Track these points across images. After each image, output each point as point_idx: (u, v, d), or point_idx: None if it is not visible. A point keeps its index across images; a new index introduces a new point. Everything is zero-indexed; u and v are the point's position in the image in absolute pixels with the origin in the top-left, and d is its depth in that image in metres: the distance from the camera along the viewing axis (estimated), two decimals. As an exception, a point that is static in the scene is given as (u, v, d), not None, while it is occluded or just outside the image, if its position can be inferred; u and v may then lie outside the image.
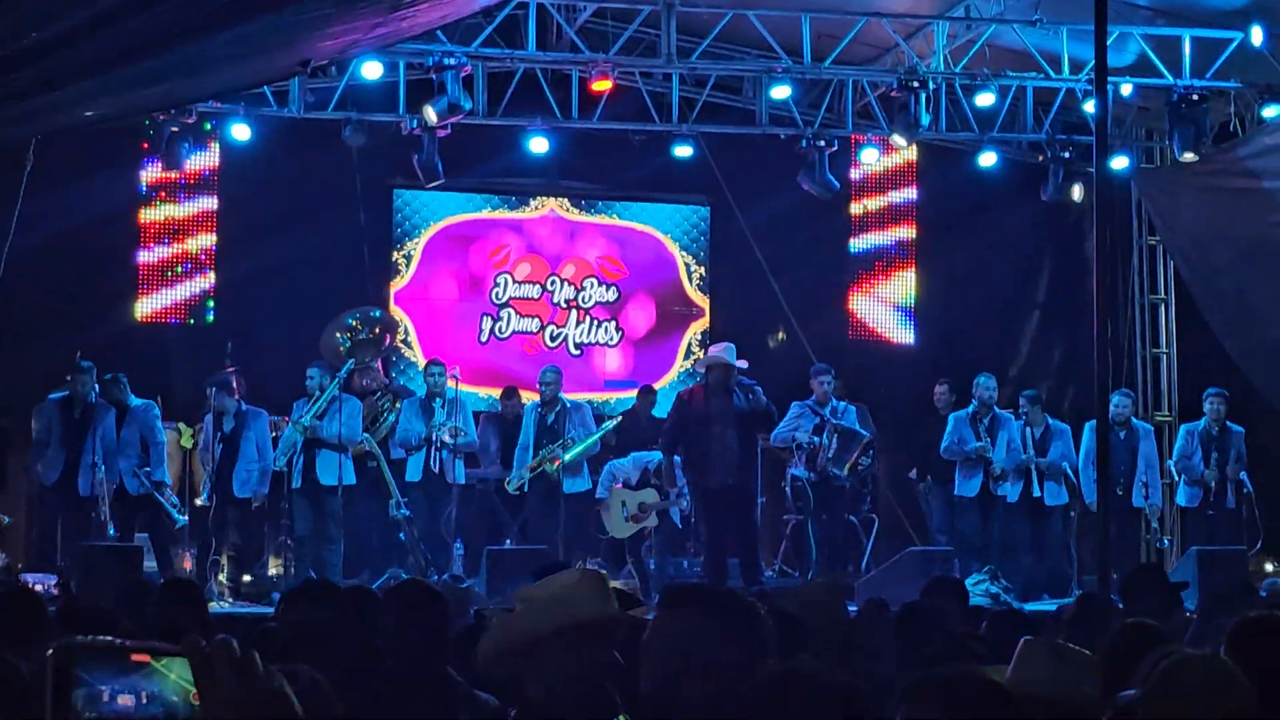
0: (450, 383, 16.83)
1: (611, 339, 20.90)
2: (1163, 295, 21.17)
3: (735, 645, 3.78)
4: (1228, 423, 17.57)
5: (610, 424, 17.66)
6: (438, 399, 16.85)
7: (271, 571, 16.88)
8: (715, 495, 15.88)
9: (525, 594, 4.30)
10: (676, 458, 16.30)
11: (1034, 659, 5.02)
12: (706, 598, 4.00)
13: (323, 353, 17.14)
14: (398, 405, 17.20)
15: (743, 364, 15.97)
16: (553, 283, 20.73)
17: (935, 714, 3.80)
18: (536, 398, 17.61)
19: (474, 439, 17.08)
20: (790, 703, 3.21)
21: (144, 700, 2.28)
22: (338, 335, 17.40)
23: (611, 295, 20.93)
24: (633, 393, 19.51)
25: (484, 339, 20.49)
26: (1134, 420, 17.77)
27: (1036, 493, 17.23)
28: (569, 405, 17.37)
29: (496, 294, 20.57)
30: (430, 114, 17.03)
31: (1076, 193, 19.40)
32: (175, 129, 17.30)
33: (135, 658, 2.29)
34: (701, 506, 16.37)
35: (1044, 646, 5.12)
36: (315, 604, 6.66)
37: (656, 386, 19.38)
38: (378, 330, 17.86)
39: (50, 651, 2.28)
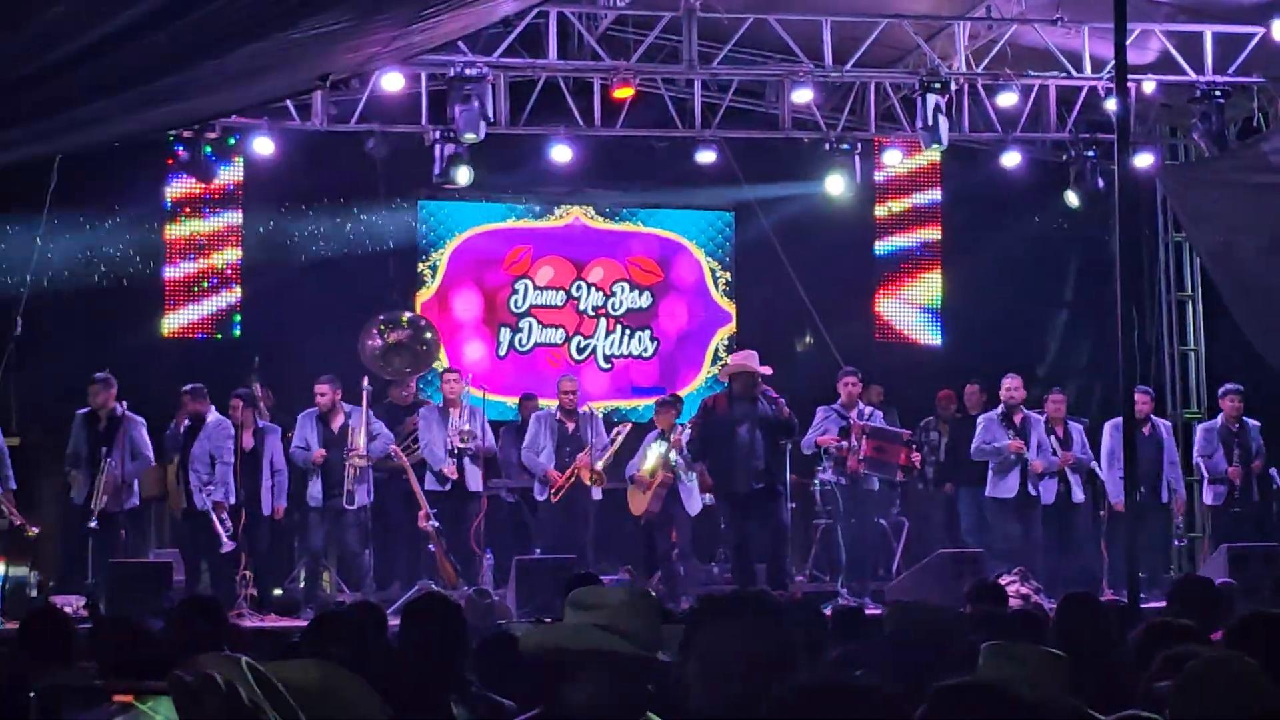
0: (473, 391, 16.71)
1: (646, 350, 20.78)
2: (1189, 292, 21.11)
3: (769, 655, 3.77)
4: (1244, 418, 17.52)
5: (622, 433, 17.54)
6: (454, 407, 16.72)
7: (302, 585, 16.89)
8: (742, 500, 15.96)
9: (577, 600, 4.29)
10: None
11: (995, 662, 5.10)
12: (741, 606, 3.99)
13: (360, 350, 17.15)
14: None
15: (766, 371, 16.01)
16: (579, 288, 20.61)
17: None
18: (554, 404, 17.57)
19: (490, 444, 16.89)
20: (825, 713, 3.19)
21: None
22: (375, 335, 17.39)
23: (645, 301, 20.83)
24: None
25: (502, 353, 20.34)
26: (1154, 417, 17.70)
27: (1076, 495, 17.14)
28: (587, 414, 17.30)
29: (515, 301, 20.44)
30: (471, 136, 16.98)
31: (1073, 199, 19.25)
32: (201, 143, 17.31)
33: (117, 698, 2.28)
34: (729, 511, 16.44)
35: (1003, 650, 5.19)
36: (333, 641, 6.65)
37: (683, 393, 19.27)
38: (423, 347, 17.82)
39: (33, 694, 2.28)
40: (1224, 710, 4.60)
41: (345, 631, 6.46)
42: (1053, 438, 17.12)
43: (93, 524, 15.33)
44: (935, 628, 6.86)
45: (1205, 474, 17.69)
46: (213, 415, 15.91)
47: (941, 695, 3.90)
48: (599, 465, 16.80)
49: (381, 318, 17.56)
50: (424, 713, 5.26)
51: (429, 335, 18.02)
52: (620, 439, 17.21)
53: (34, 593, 15.75)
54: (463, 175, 17.60)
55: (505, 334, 20.35)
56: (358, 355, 17.28)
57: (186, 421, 15.91)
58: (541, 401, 18.60)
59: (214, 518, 15.55)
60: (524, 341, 20.36)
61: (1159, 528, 17.56)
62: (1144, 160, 19.29)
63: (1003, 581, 15.59)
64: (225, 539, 15.50)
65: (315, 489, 16.16)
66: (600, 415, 17.93)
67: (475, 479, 16.45)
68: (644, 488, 16.75)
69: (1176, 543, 18.63)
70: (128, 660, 6.65)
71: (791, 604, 9.79)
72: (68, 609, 10.37)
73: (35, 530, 15.64)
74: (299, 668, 2.62)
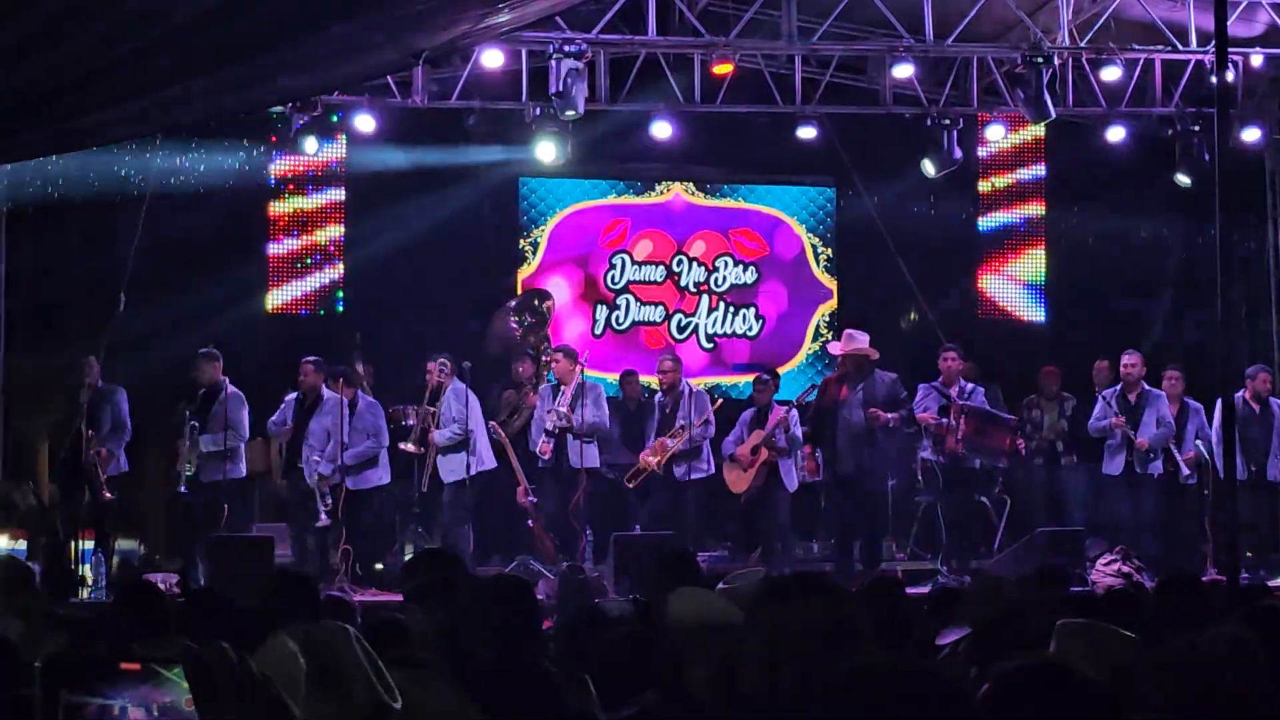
0: (577, 369, 16.71)
1: (751, 328, 20.62)
2: (1299, 267, 20.78)
3: (827, 637, 3.76)
4: None
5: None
6: (565, 385, 16.72)
7: (407, 559, 16.97)
8: (848, 480, 16.08)
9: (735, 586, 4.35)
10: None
11: (1071, 640, 5.10)
12: (798, 590, 3.97)
13: (494, 343, 17.25)
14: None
15: (873, 354, 16.21)
16: (680, 262, 20.47)
17: (1016, 707, 3.76)
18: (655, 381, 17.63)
19: (589, 421, 16.73)
20: (873, 700, 3.17)
21: (155, 713, 2.29)
22: (512, 320, 17.51)
23: (750, 276, 20.71)
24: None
25: (599, 331, 20.20)
26: (1270, 398, 17.47)
27: (1185, 473, 16.95)
28: (689, 392, 17.18)
29: (612, 277, 20.31)
30: (571, 113, 16.96)
31: (1183, 179, 18.95)
32: (302, 121, 17.43)
33: (125, 666, 2.30)
34: (832, 491, 16.58)
35: (1079, 627, 5.18)
36: (435, 566, 6.74)
37: (782, 370, 19.11)
38: (546, 308, 17.94)
39: (38, 664, 2.30)
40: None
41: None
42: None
43: (180, 488, 15.62)
44: (1017, 606, 6.82)
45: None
46: (328, 392, 16.03)
47: (1004, 677, 3.86)
48: (661, 456, 16.79)
49: (511, 307, 17.71)
50: (493, 696, 5.25)
51: (541, 298, 18.20)
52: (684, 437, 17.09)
53: (137, 564, 15.99)
54: (547, 153, 17.66)
55: (602, 311, 20.24)
56: (460, 333, 17.41)
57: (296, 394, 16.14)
58: (643, 379, 18.59)
59: (318, 492, 15.69)
60: (621, 320, 20.25)
61: (1267, 507, 17.35)
62: (1251, 135, 19.00)
63: (1104, 560, 15.56)
64: (323, 514, 15.63)
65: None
66: (704, 390, 17.84)
67: (575, 456, 16.44)
68: (744, 465, 16.75)
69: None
70: (218, 635, 6.68)
71: (882, 583, 9.67)
72: (161, 585, 10.44)
73: (110, 495, 15.71)
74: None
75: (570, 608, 9.92)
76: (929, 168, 18.64)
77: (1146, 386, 17.04)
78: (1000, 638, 6.10)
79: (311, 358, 16.20)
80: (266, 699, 2.31)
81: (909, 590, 9.19)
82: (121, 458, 15.88)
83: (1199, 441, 16.99)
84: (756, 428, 16.76)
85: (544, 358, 17.56)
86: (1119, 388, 17.07)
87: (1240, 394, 16.82)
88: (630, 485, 17.00)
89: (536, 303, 18.13)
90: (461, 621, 5.78)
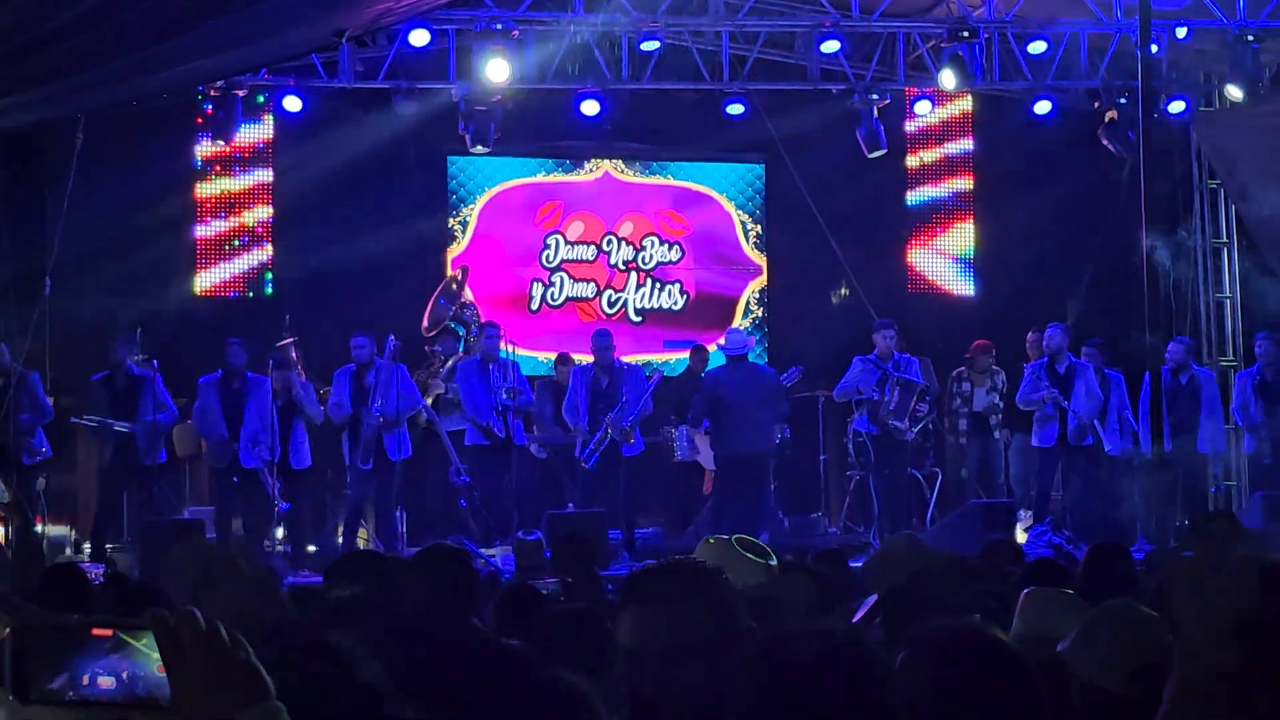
0: (503, 345, 16.74)
1: (676, 303, 20.75)
2: (1224, 239, 20.87)
3: (703, 621, 3.70)
4: None
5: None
6: (492, 363, 16.70)
7: (339, 540, 16.95)
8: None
9: None
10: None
11: (1034, 609, 5.14)
12: (664, 579, 3.90)
13: (429, 320, 17.24)
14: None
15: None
16: (609, 242, 20.59)
17: (935, 671, 3.75)
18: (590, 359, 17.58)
19: (530, 398, 16.97)
20: (783, 670, 3.13)
21: (125, 680, 2.30)
22: (441, 300, 17.54)
23: (674, 255, 20.81)
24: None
25: (535, 307, 20.38)
26: (1195, 366, 17.57)
27: (1107, 445, 17.00)
28: (623, 368, 17.22)
29: (547, 256, 20.47)
30: (480, 149, 17.24)
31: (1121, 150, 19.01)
32: (226, 102, 17.38)
33: (96, 632, 2.30)
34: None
35: (1042, 596, 5.23)
36: (355, 579, 6.71)
37: (712, 347, 19.15)
38: (455, 286, 17.97)
39: (8, 631, 2.30)
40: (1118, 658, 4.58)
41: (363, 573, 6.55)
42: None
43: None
44: (928, 573, 6.80)
45: (1241, 422, 17.59)
46: (254, 375, 15.95)
47: (922, 641, 3.83)
48: (626, 425, 16.77)
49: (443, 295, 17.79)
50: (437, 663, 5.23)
51: (463, 273, 18.26)
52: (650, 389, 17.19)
53: (69, 551, 15.88)
54: (498, 71, 17.45)
55: (538, 289, 20.38)
56: (389, 312, 17.35)
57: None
58: (576, 357, 18.58)
59: (267, 477, 15.59)
60: (555, 296, 20.39)
61: (1195, 478, 17.44)
62: (1177, 107, 19.10)
63: (1033, 531, 15.66)
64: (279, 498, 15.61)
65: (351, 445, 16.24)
66: (639, 366, 17.91)
67: (517, 434, 16.50)
68: None
69: (1214, 490, 18.52)
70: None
71: (825, 556, 9.65)
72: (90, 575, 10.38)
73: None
74: None
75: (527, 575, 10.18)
76: (871, 151, 18.72)
77: (1073, 358, 17.08)
78: (909, 603, 6.07)
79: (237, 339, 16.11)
80: (237, 665, 2.32)
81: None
82: (44, 442, 15.77)
83: (1127, 412, 17.10)
84: None
85: (472, 336, 17.57)
86: (1045, 360, 17.09)
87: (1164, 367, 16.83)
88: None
89: (454, 286, 18.17)
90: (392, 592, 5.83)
